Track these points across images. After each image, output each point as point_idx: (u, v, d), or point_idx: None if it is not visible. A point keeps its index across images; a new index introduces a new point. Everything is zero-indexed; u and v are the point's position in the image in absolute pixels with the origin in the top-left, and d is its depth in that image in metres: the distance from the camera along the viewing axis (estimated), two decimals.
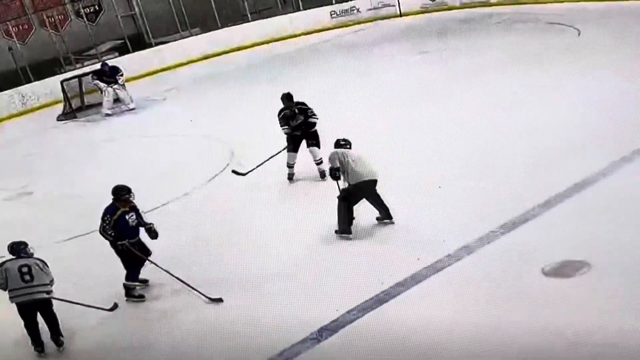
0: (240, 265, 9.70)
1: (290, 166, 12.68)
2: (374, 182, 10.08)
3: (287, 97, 12.45)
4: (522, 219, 9.65)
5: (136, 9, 27.76)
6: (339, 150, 10.26)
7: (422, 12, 27.52)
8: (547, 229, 9.36)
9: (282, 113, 12.45)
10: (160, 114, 19.65)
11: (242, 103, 18.80)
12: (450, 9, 27.08)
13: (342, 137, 10.54)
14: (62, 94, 21.39)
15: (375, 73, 19.07)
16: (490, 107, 14.43)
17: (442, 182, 11.10)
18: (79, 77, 21.69)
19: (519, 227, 9.50)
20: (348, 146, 10.39)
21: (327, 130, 12.00)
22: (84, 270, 10.47)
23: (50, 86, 22.79)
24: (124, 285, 9.63)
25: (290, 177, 12.74)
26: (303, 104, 12.49)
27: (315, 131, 12.39)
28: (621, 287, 7.68)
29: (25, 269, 8.50)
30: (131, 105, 20.61)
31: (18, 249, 8.71)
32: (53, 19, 26.26)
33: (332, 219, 10.13)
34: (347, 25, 27.65)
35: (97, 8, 27.50)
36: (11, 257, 8.66)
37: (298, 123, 12.32)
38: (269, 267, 9.59)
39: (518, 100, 14.51)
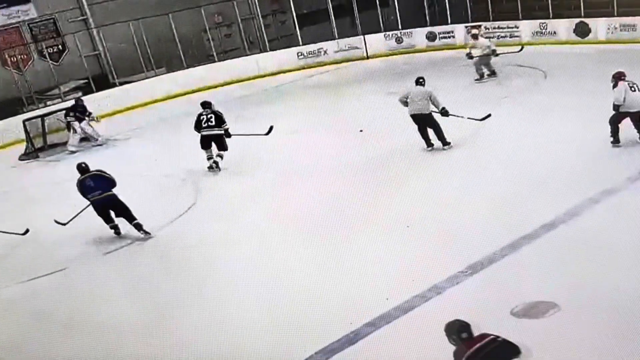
0: (200, 311, 9.62)
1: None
2: (422, 115, 14.83)
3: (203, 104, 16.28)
4: (491, 259, 9.71)
5: (100, 48, 27.77)
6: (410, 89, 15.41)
7: (389, 55, 27.92)
8: (516, 270, 9.42)
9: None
10: (125, 154, 19.54)
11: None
12: (416, 51, 27.52)
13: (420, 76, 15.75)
14: (24, 134, 21.22)
15: (343, 112, 19.16)
16: (458, 147, 14.57)
17: (410, 221, 11.15)
18: (42, 116, 21.55)
19: (488, 267, 9.55)
20: (421, 81, 15.54)
21: (300, 164, 12.02)
22: (47, 311, 10.34)
23: (12, 126, 22.56)
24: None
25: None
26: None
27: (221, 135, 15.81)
28: (591, 328, 7.73)
29: None
30: (100, 140, 20.80)
31: None
32: (15, 59, 26.13)
33: (299, 262, 10.13)
34: (314, 67, 27.91)
35: (61, 48, 27.45)
36: None
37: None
38: (235, 311, 9.51)
39: (486, 141, 14.70)
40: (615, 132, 13.24)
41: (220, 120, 15.87)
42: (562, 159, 12.86)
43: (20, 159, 20.87)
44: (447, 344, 7.62)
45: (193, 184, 15.19)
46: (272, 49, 29.32)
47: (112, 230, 12.93)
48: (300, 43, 29.04)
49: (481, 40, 21.61)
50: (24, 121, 21.38)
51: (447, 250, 10.01)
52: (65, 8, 27.36)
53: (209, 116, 15.89)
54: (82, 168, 13.09)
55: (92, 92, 25.47)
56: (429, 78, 22.18)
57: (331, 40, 28.91)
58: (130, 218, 12.77)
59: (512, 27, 25.74)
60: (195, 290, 10.29)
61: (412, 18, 28.51)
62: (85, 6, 27.74)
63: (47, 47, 26.79)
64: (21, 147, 21.39)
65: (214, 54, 28.58)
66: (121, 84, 26.70)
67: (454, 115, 14.93)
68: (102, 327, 9.75)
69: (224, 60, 28.01)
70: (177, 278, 10.82)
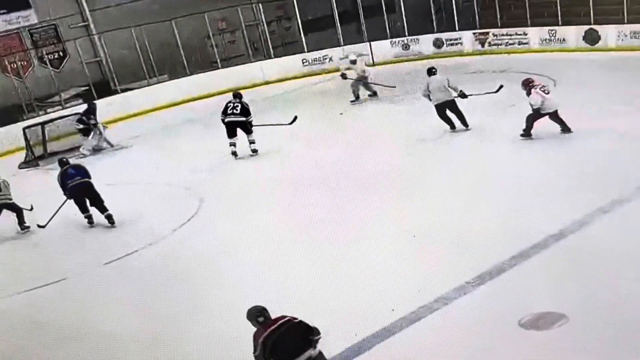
0: (207, 315, 9.64)
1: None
2: (447, 102, 16.21)
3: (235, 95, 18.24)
4: (499, 270, 9.71)
5: (102, 55, 27.87)
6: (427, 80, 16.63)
7: (395, 62, 27.96)
8: (524, 280, 9.43)
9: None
10: (126, 161, 19.61)
11: (209, 150, 18.84)
12: (423, 58, 27.54)
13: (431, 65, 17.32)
14: (24, 141, 21.30)
15: (348, 120, 19.20)
16: (465, 157, 14.61)
17: (416, 231, 11.17)
18: (42, 124, 21.64)
19: (495, 278, 9.55)
20: (434, 70, 16.90)
21: (304, 172, 12.03)
22: (47, 322, 10.38)
23: (12, 133, 22.64)
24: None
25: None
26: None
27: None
28: (599, 339, 7.72)
29: None
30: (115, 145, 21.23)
31: None
32: (15, 65, 26.24)
33: (303, 271, 10.16)
34: (318, 74, 27.97)
35: (62, 54, 27.56)
36: None
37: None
38: (239, 320, 9.52)
39: (493, 149, 14.73)
40: (529, 129, 14.91)
41: (246, 112, 17.54)
42: (571, 168, 12.87)
43: (20, 167, 20.95)
44: (455, 356, 7.68)
45: (196, 192, 15.22)
46: (276, 56, 29.44)
47: (86, 220, 14.33)
48: (305, 50, 29.13)
49: (359, 64, 22.11)
50: (24, 129, 21.48)
51: (454, 261, 10.03)
52: (66, 14, 27.50)
53: (235, 104, 17.60)
54: (63, 162, 14.97)
55: (93, 99, 25.45)
56: None
57: (336, 47, 28.97)
58: (102, 209, 14.10)
59: (521, 34, 25.77)
60: (198, 299, 10.30)
61: (419, 24, 28.55)
62: (87, 12, 27.88)
63: (47, 54, 26.93)
64: (21, 155, 21.46)
65: (218, 60, 28.68)
66: (123, 90, 26.77)
67: (472, 95, 16.45)
68: (104, 338, 9.77)
69: (228, 67, 28.08)
70: (179, 287, 10.83)
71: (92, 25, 27.92)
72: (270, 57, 29.51)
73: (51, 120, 21.95)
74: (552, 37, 24.92)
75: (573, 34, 24.36)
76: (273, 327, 7.03)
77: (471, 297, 9.17)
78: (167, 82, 27.19)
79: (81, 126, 21.29)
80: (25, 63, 26.70)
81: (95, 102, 22.20)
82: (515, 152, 14.40)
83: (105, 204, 14.17)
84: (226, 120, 17.57)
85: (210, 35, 28.85)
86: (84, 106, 22.70)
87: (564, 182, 12.34)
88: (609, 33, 23.49)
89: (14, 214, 14.81)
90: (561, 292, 8.79)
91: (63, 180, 14.37)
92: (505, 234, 10.64)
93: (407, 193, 12.92)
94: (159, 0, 28.26)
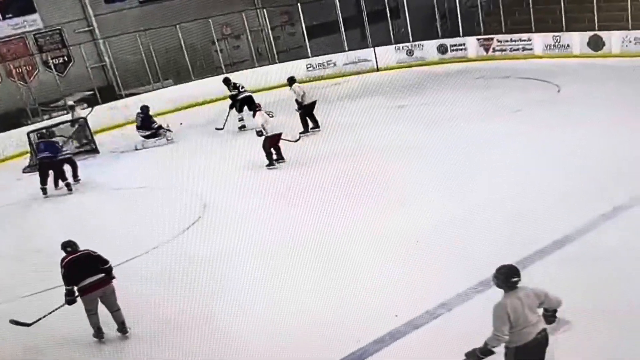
0: (210, 322, 9.64)
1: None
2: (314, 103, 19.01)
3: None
4: None
5: (107, 60, 27.93)
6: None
7: (399, 67, 28.00)
8: (527, 286, 9.39)
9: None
10: (131, 166, 19.63)
11: (213, 154, 18.91)
12: (427, 64, 27.60)
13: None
14: (28, 146, 21.32)
15: (352, 127, 19.19)
16: (469, 163, 14.59)
17: (420, 237, 11.17)
18: (47, 128, 21.63)
19: None
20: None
21: (307, 180, 12.01)
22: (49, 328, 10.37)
23: (17, 138, 22.67)
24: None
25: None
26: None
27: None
28: (603, 345, 7.73)
29: None
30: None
31: None
32: (20, 70, 26.30)
33: (306, 278, 10.15)
34: (323, 79, 28.01)
35: (67, 59, 27.62)
36: None
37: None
38: (241, 325, 9.53)
39: (498, 156, 14.71)
40: (269, 156, 16.49)
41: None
42: (575, 174, 12.86)
43: (25, 171, 20.94)
44: None
45: (199, 198, 15.22)
46: (281, 61, 29.47)
47: (41, 192, 17.24)
48: (310, 55, 29.16)
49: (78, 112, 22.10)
50: (28, 133, 21.48)
51: (457, 267, 10.02)
52: (72, 19, 27.56)
53: (241, 85, 21.78)
54: (41, 134, 19.00)
55: (97, 103, 25.59)
56: (439, 91, 22.49)
57: (341, 52, 29.02)
58: (63, 178, 17.42)
59: (525, 40, 25.79)
60: (200, 304, 10.31)
61: (423, 30, 28.62)
62: (92, 17, 27.95)
63: (52, 58, 26.97)
64: (25, 160, 21.48)
65: (222, 65, 28.72)
66: (127, 95, 26.80)
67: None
68: (106, 343, 9.79)
69: (233, 72, 28.07)
70: (182, 292, 10.83)
71: (97, 30, 27.99)
72: (275, 62, 29.57)
73: (55, 125, 21.93)
74: (557, 43, 24.93)
75: (577, 40, 24.38)
76: (74, 255, 9.68)
77: (474, 303, 9.15)
78: (171, 87, 27.21)
79: (148, 133, 21.35)
80: (30, 68, 26.77)
81: (146, 105, 22.07)
82: (519, 158, 14.38)
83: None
84: (241, 97, 21.36)
85: (215, 40, 28.91)
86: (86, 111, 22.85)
87: (567, 187, 12.33)
88: (613, 39, 23.50)
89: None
90: (565, 297, 8.74)
91: (36, 151, 17.86)
92: (508, 240, 10.61)
93: (410, 200, 12.92)
94: (164, 6, 28.36)
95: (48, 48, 27.20)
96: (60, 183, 17.72)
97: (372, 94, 24.22)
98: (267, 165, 16.52)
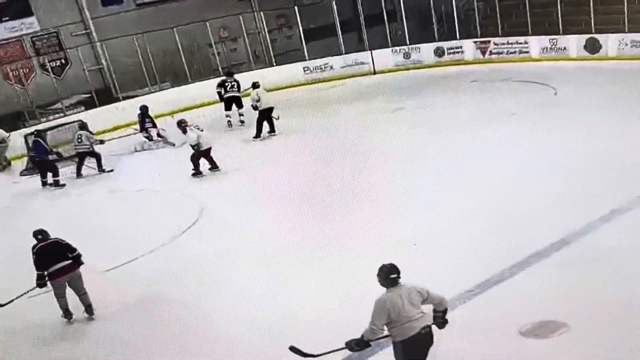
0: (205, 328, 9.65)
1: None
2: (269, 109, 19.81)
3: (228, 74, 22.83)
4: (499, 278, 9.72)
5: (104, 62, 27.92)
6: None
7: (396, 70, 28.01)
8: (525, 289, 9.43)
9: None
10: (128, 169, 19.62)
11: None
12: (424, 67, 27.63)
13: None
14: (25, 149, 21.31)
15: (350, 129, 19.21)
16: (465, 166, 14.62)
17: (417, 239, 11.18)
18: (44, 131, 21.62)
19: (496, 286, 9.57)
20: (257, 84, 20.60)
21: (304, 182, 12.02)
22: (46, 329, 10.40)
23: (14, 140, 22.64)
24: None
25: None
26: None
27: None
28: (599, 348, 7.74)
29: None
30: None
31: None
32: (17, 73, 26.28)
33: (301, 281, 10.17)
34: (320, 82, 28.04)
35: (64, 62, 27.59)
36: None
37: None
38: (238, 327, 9.53)
39: (495, 159, 14.74)
40: (196, 167, 16.95)
41: (239, 88, 22.20)
42: (572, 177, 12.88)
43: (22, 174, 20.95)
44: None
45: (196, 200, 15.23)
46: (278, 64, 29.47)
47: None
48: (307, 58, 29.16)
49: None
50: (25, 136, 21.48)
51: (454, 269, 10.03)
52: (69, 22, 27.54)
53: (232, 82, 22.23)
54: (34, 133, 19.95)
55: (95, 106, 25.59)
56: (436, 93, 22.53)
57: (338, 55, 29.05)
58: (55, 174, 18.73)
59: (522, 43, 25.81)
60: (198, 306, 10.32)
61: (420, 33, 28.65)
62: (89, 20, 27.91)
63: (49, 61, 26.94)
64: (23, 162, 21.48)
65: (219, 68, 28.70)
66: (125, 98, 26.76)
67: None
68: (104, 345, 9.79)
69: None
70: (179, 294, 10.84)
71: (94, 33, 27.95)
72: (272, 65, 29.56)
73: (52, 128, 21.96)
74: (553, 46, 24.95)
75: (574, 42, 24.39)
76: (44, 243, 10.55)
77: (472, 305, 9.18)
78: (169, 90, 27.20)
79: (147, 134, 21.49)
80: (27, 70, 26.74)
81: (144, 105, 22.06)
82: (515, 161, 14.40)
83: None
84: (226, 96, 22.12)
85: (212, 43, 28.90)
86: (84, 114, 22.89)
87: (564, 190, 12.34)
88: (609, 42, 23.51)
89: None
90: (562, 300, 8.79)
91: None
92: (505, 242, 10.65)
93: (407, 203, 12.93)
94: (161, 8, 28.37)
95: (45, 51, 27.17)
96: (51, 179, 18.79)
97: (369, 97, 24.23)
98: (192, 174, 16.97)
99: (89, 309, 10.62)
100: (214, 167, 17.12)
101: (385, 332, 7.21)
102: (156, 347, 9.44)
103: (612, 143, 14.09)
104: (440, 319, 7.35)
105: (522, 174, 13.52)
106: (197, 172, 17.02)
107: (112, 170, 19.35)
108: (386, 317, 7.11)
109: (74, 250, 10.58)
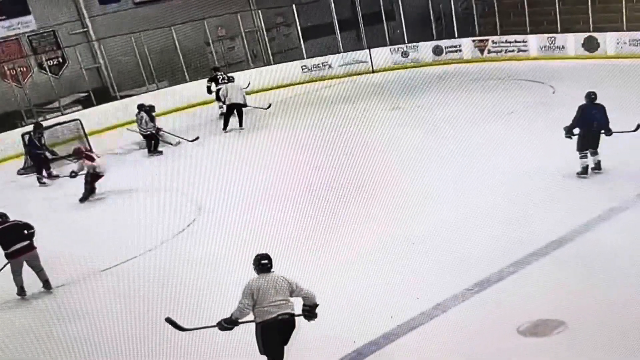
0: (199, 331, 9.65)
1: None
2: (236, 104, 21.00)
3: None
4: (497, 277, 9.74)
5: (101, 61, 27.86)
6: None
7: (395, 69, 28.01)
8: (523, 287, 9.45)
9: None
10: (125, 168, 19.60)
11: (208, 156, 18.91)
12: (422, 65, 27.62)
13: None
14: (23, 148, 21.26)
15: (348, 128, 19.21)
16: (464, 164, 14.63)
17: (415, 238, 11.19)
18: (39, 125, 21.57)
19: (494, 285, 9.58)
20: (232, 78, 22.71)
21: (302, 181, 12.01)
22: (45, 329, 10.40)
23: (11, 139, 22.61)
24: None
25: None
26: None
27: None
28: (597, 346, 7.76)
29: None
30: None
31: None
32: (15, 71, 26.23)
33: (301, 279, 10.15)
34: (318, 80, 28.03)
35: (61, 60, 27.54)
36: None
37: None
38: (236, 330, 9.50)
39: (493, 158, 14.76)
40: (89, 192, 16.54)
41: (231, 79, 23.16)
42: (571, 176, 12.89)
43: (19, 173, 20.89)
44: None
45: (194, 199, 15.22)
46: (276, 62, 29.46)
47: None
48: (305, 56, 29.15)
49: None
50: (22, 135, 21.43)
51: (453, 268, 10.06)
52: (66, 20, 27.45)
53: (223, 75, 23.37)
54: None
55: (92, 105, 25.55)
56: (434, 92, 22.52)
57: (336, 53, 29.03)
58: (46, 168, 19.46)
59: (520, 42, 25.82)
60: (196, 306, 10.29)
61: (418, 32, 28.61)
62: (86, 18, 27.84)
63: (47, 60, 26.88)
64: (20, 162, 21.44)
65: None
66: (122, 97, 26.72)
67: None
68: (102, 345, 9.78)
69: (227, 73, 28.04)
70: (177, 294, 10.84)
71: (91, 32, 27.88)
72: (270, 64, 29.55)
73: (50, 127, 21.90)
74: (552, 45, 24.96)
75: (572, 41, 24.40)
76: (4, 225, 11.60)
77: (470, 304, 9.20)
78: (166, 89, 27.17)
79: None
80: (24, 69, 26.68)
81: (141, 104, 21.99)
82: (514, 159, 14.40)
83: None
84: (216, 88, 22.94)
85: (210, 41, 28.87)
86: (81, 113, 22.94)
87: (562, 189, 12.38)
88: (608, 40, 23.53)
89: None
90: (560, 299, 8.80)
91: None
92: (503, 241, 10.67)
93: (405, 201, 12.93)
94: (159, 7, 28.31)
95: (42, 50, 27.10)
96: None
97: (367, 95, 24.22)
98: (80, 200, 16.53)
99: (46, 284, 11.68)
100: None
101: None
102: (155, 347, 9.43)
103: (612, 140, 14.06)
104: (308, 312, 8.09)
105: (520, 173, 13.52)
106: (85, 199, 16.62)
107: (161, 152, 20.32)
108: (251, 298, 7.87)
109: (32, 227, 11.71)
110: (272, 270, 8.06)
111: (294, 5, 29.41)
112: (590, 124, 12.91)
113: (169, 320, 8.55)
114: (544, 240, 10.47)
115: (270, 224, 12.99)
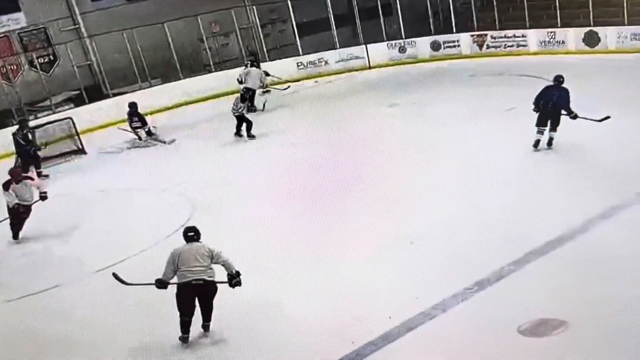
0: (199, 328, 9.66)
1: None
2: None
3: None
4: (497, 276, 9.77)
5: (93, 59, 27.84)
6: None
7: (392, 65, 28.03)
8: (523, 287, 9.48)
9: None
10: (118, 167, 19.62)
11: (202, 155, 18.91)
12: (420, 61, 27.65)
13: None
14: (14, 147, 21.25)
15: (344, 125, 19.22)
16: (462, 162, 14.66)
17: (414, 237, 11.22)
18: (32, 128, 21.58)
19: (494, 284, 9.61)
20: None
21: (299, 180, 12.00)
22: (38, 330, 10.40)
23: (2, 138, 22.57)
24: None
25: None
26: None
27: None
28: (598, 345, 7.81)
29: None
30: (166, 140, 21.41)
31: None
32: (5, 69, 26.21)
33: (299, 279, 10.19)
34: (314, 77, 28.04)
35: (52, 58, 27.52)
36: None
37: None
38: (232, 331, 9.54)
39: (492, 155, 14.77)
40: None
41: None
42: (570, 174, 12.94)
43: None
44: None
45: (188, 199, 15.23)
46: (271, 59, 29.41)
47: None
48: (301, 53, 29.17)
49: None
50: (13, 133, 21.41)
51: (452, 267, 10.09)
52: (57, 17, 27.43)
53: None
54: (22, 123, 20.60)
55: (84, 103, 25.54)
56: (432, 88, 22.55)
57: (332, 49, 29.05)
58: (37, 166, 19.45)
59: (520, 37, 25.86)
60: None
61: (416, 27, 28.65)
62: (77, 15, 27.81)
63: (37, 57, 26.84)
64: (11, 161, 21.42)
65: (211, 64, 28.71)
66: (115, 95, 26.71)
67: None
68: (95, 346, 9.80)
69: (221, 70, 28.09)
70: (171, 296, 10.80)
71: (82, 29, 27.86)
72: (265, 60, 29.50)
73: (41, 125, 21.91)
74: (552, 39, 25.01)
75: (572, 36, 24.45)
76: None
77: (470, 303, 9.24)
78: (159, 86, 27.16)
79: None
80: (14, 67, 26.66)
81: (132, 102, 22.04)
82: (514, 157, 14.46)
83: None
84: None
85: (204, 38, 28.87)
86: (73, 111, 22.90)
87: (563, 187, 12.41)
88: (608, 35, 23.58)
89: None
90: (560, 298, 8.84)
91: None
92: (503, 240, 10.71)
93: (403, 200, 12.96)
94: (151, 3, 28.29)
95: (33, 47, 27.07)
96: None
97: (364, 92, 24.29)
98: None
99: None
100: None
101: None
102: (153, 346, 9.45)
103: (612, 138, 14.12)
104: (230, 280, 9.36)
105: (520, 170, 13.58)
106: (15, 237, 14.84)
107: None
108: (172, 263, 9.27)
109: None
110: (199, 241, 9.46)
111: (289, 1, 29.44)
112: (546, 104, 14.59)
113: (115, 275, 10.05)
114: (544, 238, 10.51)
115: (265, 223, 13.02)
